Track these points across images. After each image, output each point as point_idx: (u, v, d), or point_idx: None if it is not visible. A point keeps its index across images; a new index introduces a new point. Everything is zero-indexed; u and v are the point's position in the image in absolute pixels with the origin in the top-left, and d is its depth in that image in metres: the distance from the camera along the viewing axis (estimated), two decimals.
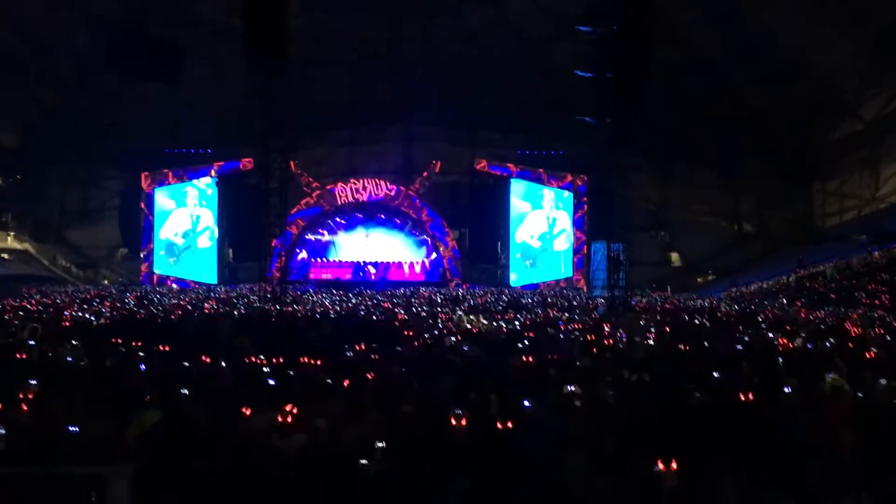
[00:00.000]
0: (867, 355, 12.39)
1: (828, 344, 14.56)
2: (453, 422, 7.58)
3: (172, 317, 21.47)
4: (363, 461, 6.32)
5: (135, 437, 6.65)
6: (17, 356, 11.23)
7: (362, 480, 6.11)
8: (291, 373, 10.31)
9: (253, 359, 11.52)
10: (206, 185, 49.36)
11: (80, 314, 21.12)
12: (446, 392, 9.07)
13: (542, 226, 49.17)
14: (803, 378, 9.65)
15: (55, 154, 47.88)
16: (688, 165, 50.14)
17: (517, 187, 49.27)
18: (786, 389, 9.12)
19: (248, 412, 7.67)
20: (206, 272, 49.26)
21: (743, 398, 8.75)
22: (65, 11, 39.63)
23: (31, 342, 12.73)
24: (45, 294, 33.05)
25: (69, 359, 10.98)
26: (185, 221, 49.58)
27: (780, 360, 12.33)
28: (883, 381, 9.32)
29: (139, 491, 5.15)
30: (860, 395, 9.06)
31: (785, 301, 33.00)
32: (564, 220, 49.05)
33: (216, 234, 49.27)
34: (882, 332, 17.79)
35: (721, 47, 41.18)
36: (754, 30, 39.38)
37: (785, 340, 15.49)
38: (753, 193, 51.04)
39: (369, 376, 10.07)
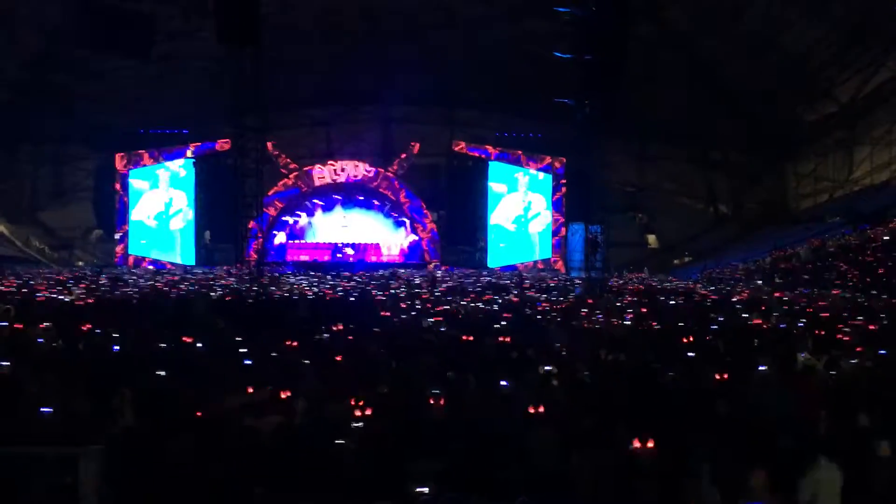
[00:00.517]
0: (838, 336, 12.56)
1: (800, 324, 14.76)
2: (431, 402, 7.61)
3: (147, 298, 21.29)
4: (339, 441, 6.32)
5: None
6: None
7: (338, 460, 6.10)
8: (267, 353, 10.27)
9: (228, 339, 11.45)
10: (179, 166, 48.81)
11: (54, 295, 20.89)
12: (423, 372, 9.10)
13: (517, 208, 49.21)
14: (777, 357, 9.78)
15: (26, 132, 47.07)
16: (664, 147, 50.29)
17: (494, 169, 49.22)
18: (760, 368, 9.26)
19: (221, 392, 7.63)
20: (182, 254, 48.86)
21: (717, 377, 8.85)
22: None
23: (4, 323, 12.58)
24: (18, 275, 32.63)
25: (40, 340, 10.86)
26: (159, 203, 49.01)
27: (755, 340, 12.51)
28: (853, 361, 9.48)
29: (111, 470, 5.10)
30: (832, 373, 9.21)
31: (760, 282, 33.37)
32: (540, 203, 49.09)
33: (191, 216, 48.79)
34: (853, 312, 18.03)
35: (696, 24, 41.19)
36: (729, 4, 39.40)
37: (759, 321, 15.67)
38: (728, 175, 51.33)
39: (345, 356, 10.06)
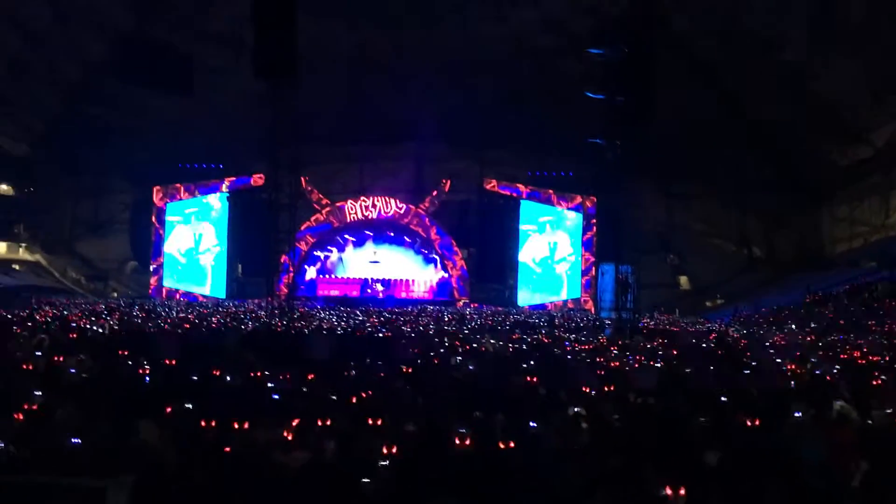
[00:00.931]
0: (874, 383, 12.29)
1: (835, 370, 14.47)
2: (457, 441, 7.56)
3: (179, 330, 21.49)
4: (364, 479, 6.29)
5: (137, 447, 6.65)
6: (24, 367, 11.25)
7: (363, 498, 6.07)
8: (297, 388, 10.29)
9: (258, 373, 11.50)
10: (214, 198, 49.60)
11: (88, 326, 21.17)
12: (450, 410, 9.05)
13: (543, 250, 49.15)
14: (811, 404, 9.58)
15: (67, 165, 48.22)
16: (697, 189, 50.09)
17: (525, 208, 49.33)
18: (795, 414, 9.08)
19: (249, 426, 7.65)
20: (213, 286, 49.42)
21: (749, 423, 8.68)
22: (75, 19, 39.97)
23: (38, 353, 12.77)
24: (54, 305, 33.17)
25: (72, 370, 10.99)
26: (188, 239, 49.73)
27: (790, 384, 12.28)
28: (888, 410, 9.26)
29: (139, 502, 5.13)
30: (869, 422, 9.00)
31: (794, 326, 32.80)
32: (565, 243, 48.97)
33: (218, 251, 49.42)
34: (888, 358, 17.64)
35: (730, 64, 41.18)
36: (763, 44, 39.35)
37: (793, 366, 15.39)
38: (762, 218, 50.90)
39: (371, 393, 10.05)
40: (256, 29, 25.78)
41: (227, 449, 6.94)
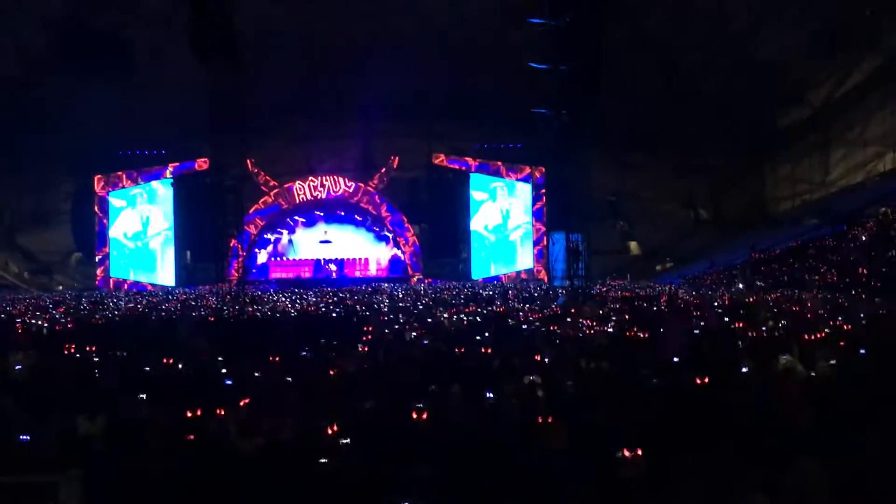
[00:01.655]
0: (818, 336, 12.65)
1: (781, 326, 14.87)
2: (415, 415, 7.59)
3: (128, 321, 21.11)
4: (323, 459, 6.28)
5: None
6: None
7: (323, 478, 6.06)
8: (250, 373, 10.20)
9: (210, 360, 11.38)
10: (157, 184, 48.60)
11: (34, 321, 20.66)
12: (407, 386, 9.08)
13: (496, 217, 49.33)
14: (758, 360, 9.84)
15: (3, 157, 46.69)
16: (643, 154, 50.64)
17: (474, 181, 49.39)
18: (742, 370, 9.34)
19: (203, 414, 7.56)
20: (162, 275, 48.55)
21: (699, 382, 8.87)
22: (9, 11, 38.60)
23: None
24: None
25: (18, 367, 10.73)
26: (135, 222, 48.70)
27: (738, 343, 12.58)
28: (832, 362, 9.56)
29: (92, 497, 5.05)
30: (812, 374, 9.28)
31: (741, 286, 33.59)
32: (519, 210, 49.23)
33: (171, 236, 48.51)
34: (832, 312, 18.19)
35: (673, 31, 41.63)
36: (705, 13, 39.86)
37: (740, 324, 15.76)
38: (707, 180, 51.77)
39: (330, 373, 10.02)
40: (192, 10, 25.18)
41: (187, 437, 6.87)
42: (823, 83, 42.32)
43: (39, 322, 20.26)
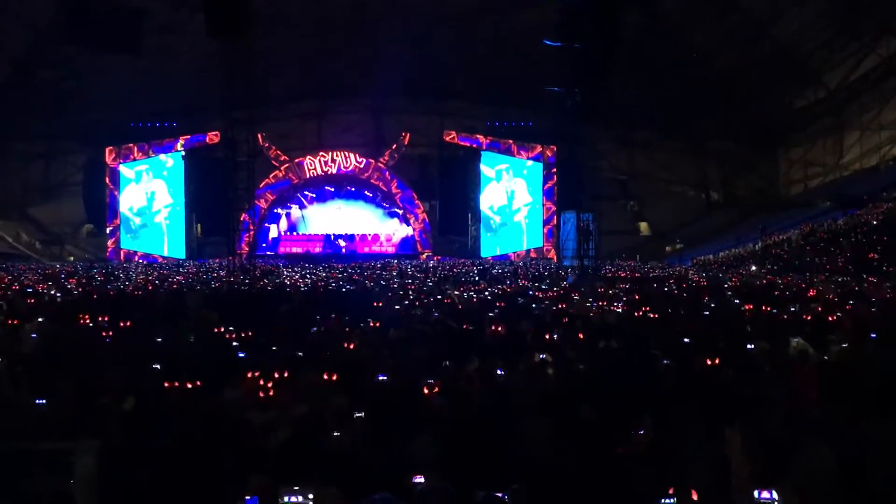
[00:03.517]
0: (830, 319, 12.62)
1: (792, 309, 14.82)
2: (426, 391, 7.62)
3: (139, 292, 21.20)
4: (336, 433, 6.32)
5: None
6: None
7: (335, 452, 6.10)
8: (261, 346, 10.26)
9: (223, 332, 11.43)
10: (167, 157, 48.59)
11: (46, 291, 20.79)
12: (417, 362, 9.11)
13: (500, 198, 49.13)
14: (769, 342, 9.82)
15: (15, 129, 46.80)
16: (656, 135, 50.40)
17: (485, 159, 49.16)
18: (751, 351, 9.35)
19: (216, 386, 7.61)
20: (171, 247, 48.70)
21: (710, 363, 8.87)
22: None
23: None
24: (10, 271, 32.47)
25: (34, 336, 10.82)
26: (140, 197, 48.74)
27: (747, 326, 12.55)
28: (844, 345, 9.53)
29: (107, 465, 5.09)
30: (825, 357, 9.26)
31: (754, 268, 33.46)
32: (523, 191, 48.96)
33: (177, 209, 48.54)
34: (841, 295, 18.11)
35: (687, 12, 41.15)
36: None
37: (751, 306, 15.71)
38: (720, 162, 51.51)
39: (348, 346, 10.07)
40: None
41: (196, 408, 6.92)
42: (839, 65, 41.85)
43: (52, 292, 20.38)
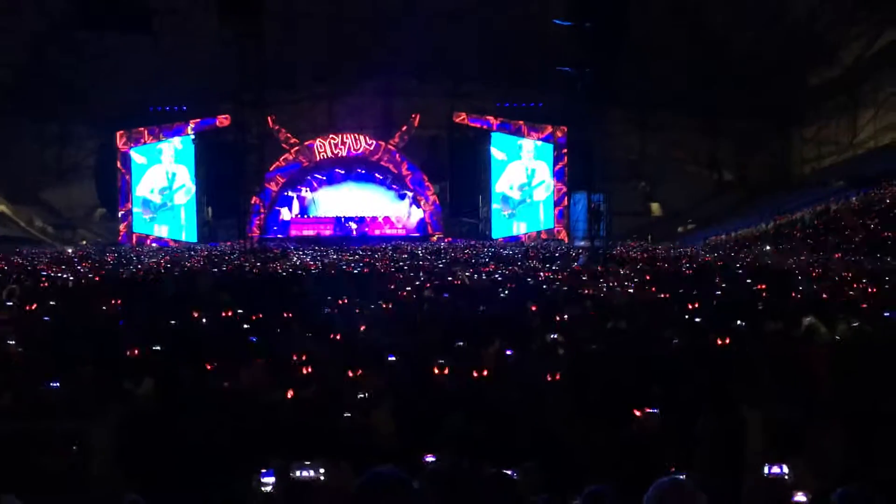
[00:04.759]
0: (843, 299, 12.57)
1: (804, 289, 14.77)
2: (437, 371, 7.66)
3: (151, 276, 21.34)
4: (348, 413, 6.36)
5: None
6: None
7: (348, 431, 6.15)
8: (274, 328, 10.31)
9: (233, 314, 11.49)
10: (179, 141, 48.71)
11: (59, 274, 20.95)
12: (430, 342, 9.15)
13: (521, 176, 49.01)
14: (781, 321, 9.81)
15: (27, 112, 46.95)
16: (667, 113, 49.96)
17: (496, 140, 49.00)
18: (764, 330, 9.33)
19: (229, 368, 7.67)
20: (185, 230, 48.91)
21: (720, 342, 8.87)
22: None
23: (10, 303, 12.65)
24: (23, 255, 32.70)
25: (46, 318, 10.92)
26: (161, 178, 48.95)
27: (759, 305, 12.52)
28: (855, 324, 9.50)
29: (123, 444, 5.16)
30: (836, 336, 9.23)
31: (768, 248, 33.28)
32: (543, 171, 48.88)
33: (193, 192, 48.72)
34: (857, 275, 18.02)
35: None
36: None
37: (763, 286, 15.67)
38: (732, 141, 51.07)
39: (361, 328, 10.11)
40: None
41: (216, 389, 6.98)
42: (854, 42, 41.32)
43: (64, 276, 20.54)
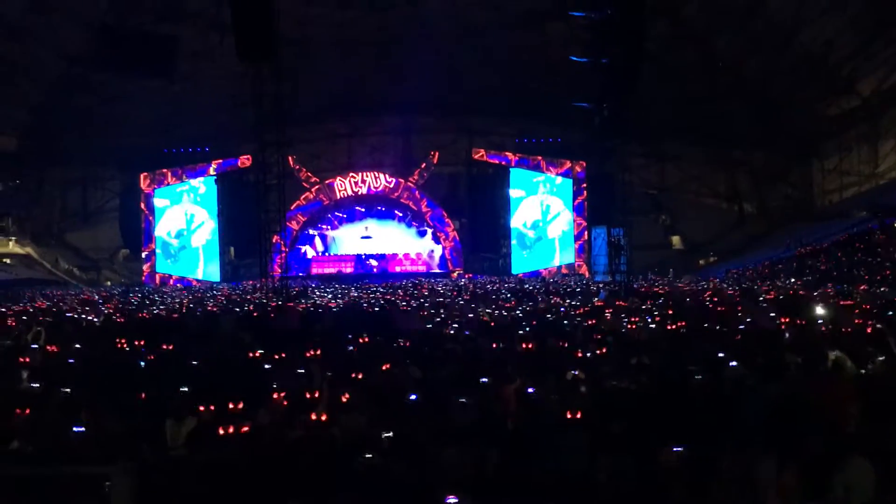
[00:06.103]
0: (868, 331, 12.38)
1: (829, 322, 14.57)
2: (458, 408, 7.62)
3: (175, 315, 21.48)
4: (367, 455, 6.32)
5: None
6: (21, 360, 11.23)
7: (368, 471, 6.12)
8: (294, 367, 10.31)
9: (254, 354, 11.51)
10: (199, 182, 49.35)
11: (84, 316, 21.15)
12: (449, 380, 9.11)
13: (535, 212, 49.10)
14: (806, 356, 9.66)
15: (53, 156, 47.82)
16: (686, 147, 50.02)
17: (514, 176, 49.19)
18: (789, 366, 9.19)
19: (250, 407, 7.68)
20: (206, 270, 49.33)
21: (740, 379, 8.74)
22: (51, 9, 39.15)
23: (35, 346, 12.75)
24: (48, 297, 33.08)
25: (71, 360, 10.99)
26: (179, 220, 49.56)
27: (783, 338, 12.35)
28: (881, 358, 9.35)
29: (144, 488, 5.16)
30: (862, 371, 9.08)
31: (793, 280, 32.92)
32: (558, 206, 48.92)
33: (216, 232, 49.22)
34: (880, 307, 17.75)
35: (714, 20, 40.82)
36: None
37: (787, 319, 15.47)
38: (752, 173, 50.91)
39: (384, 367, 10.09)
40: (234, 10, 25.40)
41: (233, 430, 6.98)
42: (873, 72, 41.20)
43: (89, 317, 20.73)
